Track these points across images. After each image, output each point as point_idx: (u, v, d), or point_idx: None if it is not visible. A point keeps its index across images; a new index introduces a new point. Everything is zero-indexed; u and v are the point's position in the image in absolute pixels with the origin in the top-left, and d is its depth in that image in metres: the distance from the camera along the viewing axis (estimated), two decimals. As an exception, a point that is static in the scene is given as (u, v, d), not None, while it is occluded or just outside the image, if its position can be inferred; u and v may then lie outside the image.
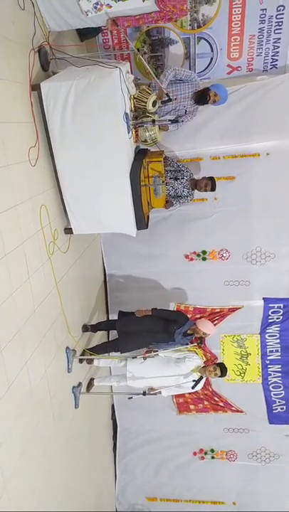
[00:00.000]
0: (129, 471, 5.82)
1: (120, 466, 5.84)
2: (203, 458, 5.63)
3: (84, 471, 4.48)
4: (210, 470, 5.61)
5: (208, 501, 5.69)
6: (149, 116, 3.70)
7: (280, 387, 5.30)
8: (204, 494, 5.69)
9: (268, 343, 5.23)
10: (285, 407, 5.35)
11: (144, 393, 3.97)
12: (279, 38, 4.42)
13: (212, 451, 5.61)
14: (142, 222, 3.85)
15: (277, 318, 5.15)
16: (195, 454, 5.64)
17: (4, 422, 2.71)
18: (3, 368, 2.67)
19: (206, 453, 5.62)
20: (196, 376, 4.00)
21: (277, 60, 4.55)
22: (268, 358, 5.26)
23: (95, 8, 3.23)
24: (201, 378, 3.99)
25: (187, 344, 4.23)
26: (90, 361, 4.46)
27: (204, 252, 5.13)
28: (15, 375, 2.84)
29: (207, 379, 4.60)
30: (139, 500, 5.85)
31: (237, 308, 5.16)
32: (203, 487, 5.67)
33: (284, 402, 5.33)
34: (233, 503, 5.64)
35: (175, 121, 4.00)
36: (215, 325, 4.81)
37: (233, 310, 5.18)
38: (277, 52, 4.51)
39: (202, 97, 4.07)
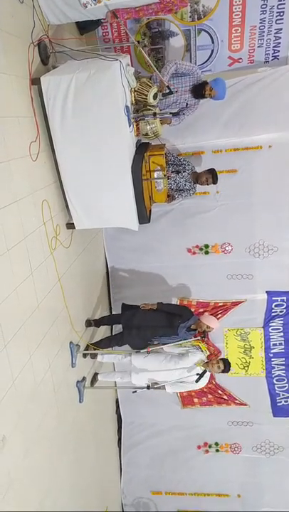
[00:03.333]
0: (134, 464, 5.84)
1: (125, 460, 5.87)
2: (207, 451, 5.65)
3: (89, 465, 4.50)
4: (214, 463, 5.63)
5: (212, 494, 5.70)
6: (150, 110, 3.68)
7: (284, 380, 5.29)
8: (209, 487, 5.71)
9: (271, 337, 5.22)
10: (289, 399, 5.36)
11: (148, 387, 4.00)
12: (280, 29, 4.38)
13: (216, 444, 5.63)
14: (144, 216, 3.84)
15: (280, 312, 5.14)
16: (199, 447, 5.65)
17: (9, 417, 2.72)
18: (7, 363, 2.68)
19: (210, 446, 5.64)
20: (199, 370, 4.00)
21: (278, 51, 4.51)
22: (272, 351, 5.26)
23: (94, 0, 3.20)
24: (204, 372, 4.00)
25: (190, 339, 4.22)
26: (93, 356, 4.48)
27: (207, 246, 5.12)
28: (19, 369, 2.85)
29: (211, 374, 4.59)
30: (144, 493, 5.88)
31: (240, 302, 5.15)
32: (208, 480, 5.69)
33: (288, 395, 5.33)
34: (237, 495, 5.66)
35: (176, 114, 3.96)
36: (218, 319, 4.81)
37: (236, 304, 5.17)
38: (279, 43, 4.47)
39: (198, 90, 4.03)
